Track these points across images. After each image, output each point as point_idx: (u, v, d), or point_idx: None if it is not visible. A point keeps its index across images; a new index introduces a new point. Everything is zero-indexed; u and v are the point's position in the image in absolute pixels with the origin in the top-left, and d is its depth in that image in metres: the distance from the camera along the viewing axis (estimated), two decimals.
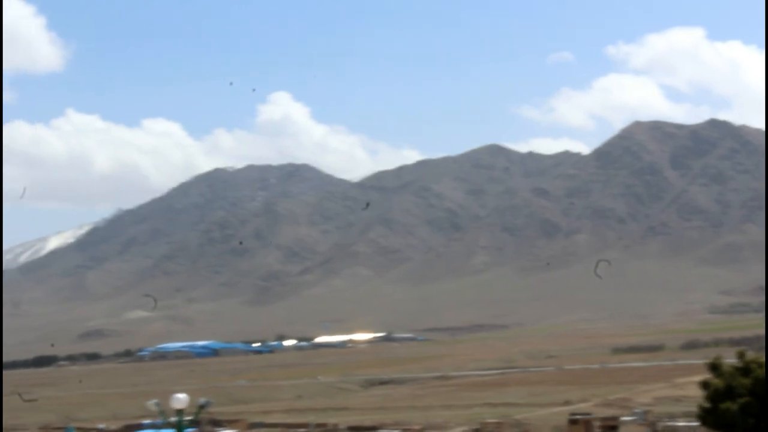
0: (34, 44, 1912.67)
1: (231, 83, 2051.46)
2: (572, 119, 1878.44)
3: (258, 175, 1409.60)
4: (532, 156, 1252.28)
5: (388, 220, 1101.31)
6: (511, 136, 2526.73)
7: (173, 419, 52.24)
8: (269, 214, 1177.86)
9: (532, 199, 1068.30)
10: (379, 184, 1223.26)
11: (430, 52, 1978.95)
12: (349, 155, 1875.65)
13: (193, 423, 54.64)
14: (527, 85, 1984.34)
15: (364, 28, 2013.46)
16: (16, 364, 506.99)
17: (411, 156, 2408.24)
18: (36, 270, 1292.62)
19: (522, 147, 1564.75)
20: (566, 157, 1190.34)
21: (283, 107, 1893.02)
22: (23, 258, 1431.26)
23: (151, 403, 53.32)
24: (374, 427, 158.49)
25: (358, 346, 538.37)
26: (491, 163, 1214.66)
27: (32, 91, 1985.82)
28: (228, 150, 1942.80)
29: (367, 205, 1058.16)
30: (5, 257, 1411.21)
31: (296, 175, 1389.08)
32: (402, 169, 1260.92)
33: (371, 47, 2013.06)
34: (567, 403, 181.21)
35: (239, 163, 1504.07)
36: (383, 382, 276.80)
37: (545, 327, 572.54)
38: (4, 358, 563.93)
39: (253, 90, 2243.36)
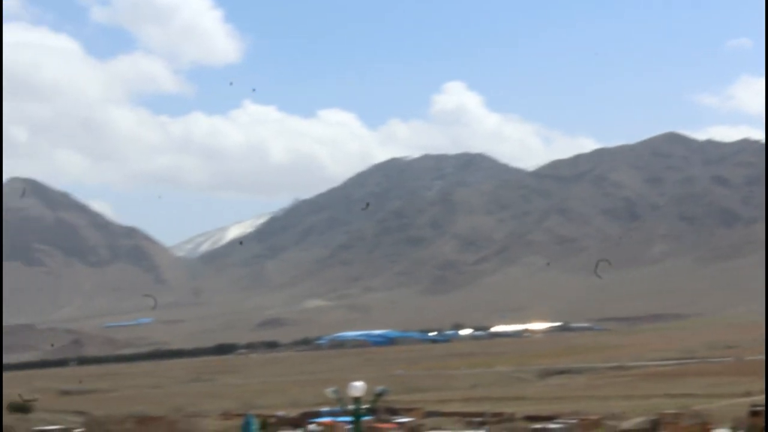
0: (212, 37, 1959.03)
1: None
2: (751, 106, 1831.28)
3: (433, 165, 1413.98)
4: (711, 144, 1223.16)
5: (564, 210, 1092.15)
6: (689, 124, 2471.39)
7: (351, 407, 53.07)
8: (445, 203, 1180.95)
9: (710, 188, 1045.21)
10: (555, 173, 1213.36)
11: (606, 40, 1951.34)
12: (524, 144, 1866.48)
13: (370, 411, 55.38)
14: (705, 73, 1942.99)
15: (537, 16, 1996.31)
16: (197, 352, 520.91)
17: (586, 144, 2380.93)
18: (216, 259, 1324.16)
19: (700, 135, 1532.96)
20: (746, 144, 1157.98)
21: (457, 96, 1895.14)
22: (204, 247, 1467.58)
23: (329, 391, 54.27)
24: (551, 417, 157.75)
25: (535, 335, 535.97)
26: (669, 152, 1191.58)
27: (210, 84, 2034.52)
28: (403, 140, 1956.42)
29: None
30: (186, 246, 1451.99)
31: (472, 164, 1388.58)
32: (578, 158, 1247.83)
33: (544, 35, 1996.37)
34: (747, 394, 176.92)
35: (414, 153, 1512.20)
36: (560, 372, 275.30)
37: (724, 317, 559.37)
38: (187, 345, 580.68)
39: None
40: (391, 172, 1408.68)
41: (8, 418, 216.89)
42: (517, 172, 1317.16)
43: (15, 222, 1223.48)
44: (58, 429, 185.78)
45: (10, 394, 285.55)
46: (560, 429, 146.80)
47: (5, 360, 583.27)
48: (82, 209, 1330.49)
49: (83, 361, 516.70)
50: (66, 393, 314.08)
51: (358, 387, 51.83)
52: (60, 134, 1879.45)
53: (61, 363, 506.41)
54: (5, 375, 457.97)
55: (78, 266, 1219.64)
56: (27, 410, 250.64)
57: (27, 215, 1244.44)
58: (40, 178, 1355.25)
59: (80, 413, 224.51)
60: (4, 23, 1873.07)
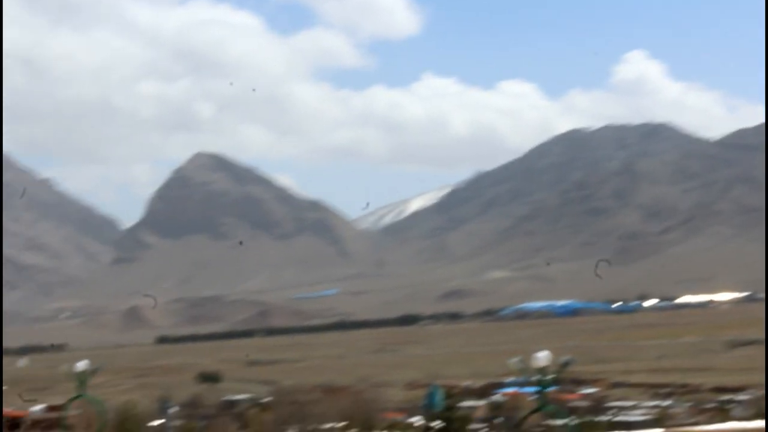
0: (391, 10, 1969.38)
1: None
2: None
3: (615, 135, 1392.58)
4: None
5: (750, 179, 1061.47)
6: None
7: (535, 378, 52.16)
8: (628, 173, 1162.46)
9: None
10: (740, 141, 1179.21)
11: None
12: (707, 113, 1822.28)
13: (555, 381, 54.36)
14: None
15: None
16: (382, 323, 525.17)
17: None
18: (398, 231, 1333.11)
19: None
20: None
21: (638, 66, 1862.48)
22: (386, 220, 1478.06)
23: (514, 362, 53.45)
24: (740, 388, 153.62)
25: (721, 306, 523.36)
26: None
27: (390, 57, 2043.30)
28: (584, 110, 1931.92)
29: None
30: (368, 218, 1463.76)
31: (655, 134, 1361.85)
32: (764, 126, 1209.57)
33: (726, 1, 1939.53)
34: None
35: (596, 123, 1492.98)
36: (748, 343, 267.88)
37: None
38: (372, 316, 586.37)
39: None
40: (573, 142, 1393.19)
41: (198, 388, 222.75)
42: (702, 141, 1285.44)
43: (201, 196, 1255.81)
44: (246, 398, 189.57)
45: (201, 364, 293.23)
46: (748, 401, 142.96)
47: (195, 330, 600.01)
48: (267, 183, 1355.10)
49: (270, 332, 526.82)
50: (253, 363, 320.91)
51: (542, 357, 50.87)
52: (245, 110, 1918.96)
53: (248, 334, 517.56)
54: (195, 345, 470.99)
55: (264, 239, 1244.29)
56: (216, 380, 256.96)
57: (213, 190, 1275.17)
58: (226, 153, 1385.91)
59: (268, 383, 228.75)
60: (186, 1, 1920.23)
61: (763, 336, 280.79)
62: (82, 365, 26.58)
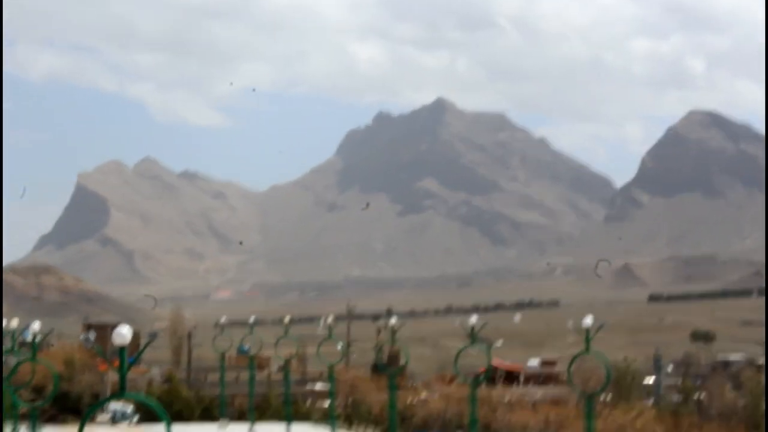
0: None
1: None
2: None
3: None
4: None
5: None
6: None
7: None
8: None
9: None
10: None
11: None
12: None
13: None
14: None
15: None
16: None
17: None
18: None
19: None
20: None
21: None
22: None
23: None
24: None
25: None
26: None
27: None
28: None
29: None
30: None
31: None
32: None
33: None
34: None
35: None
36: None
37: None
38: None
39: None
40: None
41: (692, 346, 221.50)
42: None
43: (695, 154, 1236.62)
44: (741, 359, 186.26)
45: (694, 323, 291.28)
46: None
47: (688, 289, 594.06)
48: (762, 140, 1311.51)
49: (764, 292, 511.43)
50: (747, 323, 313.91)
51: None
52: (738, 64, 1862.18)
53: (743, 293, 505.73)
54: (688, 304, 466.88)
55: (759, 197, 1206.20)
56: (710, 339, 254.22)
57: (708, 147, 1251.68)
58: (720, 110, 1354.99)
59: (762, 344, 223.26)
60: None
61: None
62: (588, 321, 27.95)
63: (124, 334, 20.52)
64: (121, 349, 20.28)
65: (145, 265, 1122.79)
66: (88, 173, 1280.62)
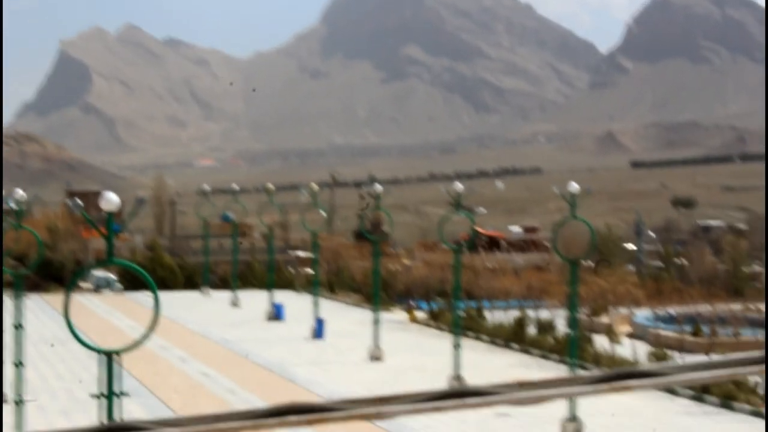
0: None
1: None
2: None
3: None
4: None
5: None
6: None
7: None
8: None
9: None
10: None
11: None
12: None
13: None
14: None
15: None
16: None
17: None
18: None
19: None
20: None
21: None
22: None
23: None
24: None
25: None
26: None
27: None
28: None
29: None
30: None
31: None
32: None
33: None
34: None
35: None
36: None
37: None
38: None
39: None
40: None
41: (672, 212, 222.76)
42: None
43: (680, 20, 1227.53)
44: (721, 224, 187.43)
45: (675, 189, 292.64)
46: None
47: (670, 155, 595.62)
48: (750, 5, 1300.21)
49: (747, 157, 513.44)
50: (729, 189, 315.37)
51: None
52: None
53: (725, 159, 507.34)
54: (670, 170, 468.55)
55: (744, 63, 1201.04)
56: (691, 205, 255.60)
57: (693, 12, 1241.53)
58: None
59: (743, 209, 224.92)
60: None
61: None
62: (574, 187, 27.86)
63: (112, 199, 20.22)
64: (109, 215, 20.00)
65: (127, 133, 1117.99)
66: (70, 40, 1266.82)
